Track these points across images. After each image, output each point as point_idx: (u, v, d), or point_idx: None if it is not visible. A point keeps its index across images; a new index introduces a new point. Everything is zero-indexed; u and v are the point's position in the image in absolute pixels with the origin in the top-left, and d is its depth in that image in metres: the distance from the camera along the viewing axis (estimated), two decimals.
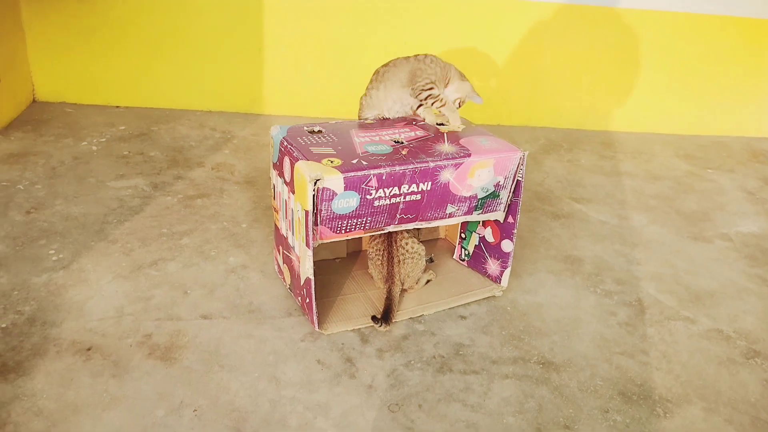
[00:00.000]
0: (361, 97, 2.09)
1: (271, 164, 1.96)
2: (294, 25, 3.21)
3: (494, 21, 3.28)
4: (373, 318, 1.89)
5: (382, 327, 1.87)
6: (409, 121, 2.07)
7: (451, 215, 1.93)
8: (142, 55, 3.20)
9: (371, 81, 2.06)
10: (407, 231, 2.00)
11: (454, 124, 2.02)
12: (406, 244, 1.98)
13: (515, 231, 2.02)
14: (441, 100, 2.01)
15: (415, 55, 2.04)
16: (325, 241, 1.78)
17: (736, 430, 1.67)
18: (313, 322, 1.85)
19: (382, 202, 1.78)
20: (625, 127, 3.62)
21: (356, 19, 3.22)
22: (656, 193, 2.92)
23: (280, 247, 2.00)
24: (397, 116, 2.08)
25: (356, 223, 1.78)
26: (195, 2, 3.11)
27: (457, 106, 2.06)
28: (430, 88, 1.99)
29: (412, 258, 1.99)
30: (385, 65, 2.06)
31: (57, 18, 3.06)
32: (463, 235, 2.21)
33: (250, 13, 3.17)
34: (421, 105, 2.05)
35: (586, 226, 2.59)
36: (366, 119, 2.08)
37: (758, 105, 3.65)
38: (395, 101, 2.05)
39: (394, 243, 1.98)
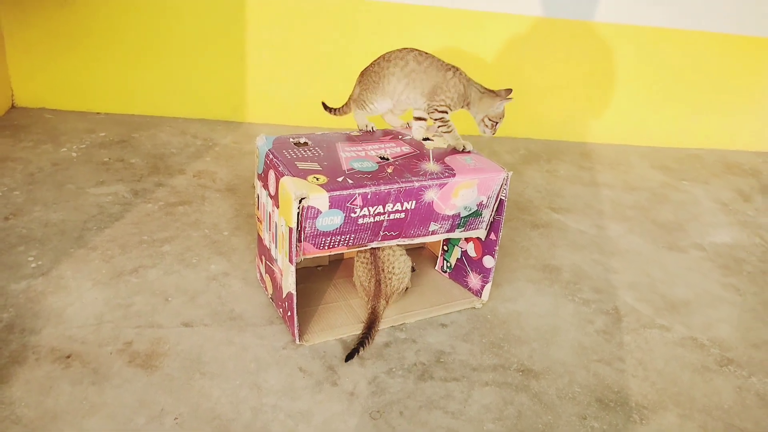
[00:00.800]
0: (367, 73, 2.04)
1: (256, 174, 1.96)
2: (277, 33, 3.23)
3: (474, 33, 3.33)
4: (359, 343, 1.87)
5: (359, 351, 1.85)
6: (395, 135, 2.09)
7: (433, 233, 1.95)
8: (123, 61, 3.18)
9: (391, 65, 1.99)
10: (394, 248, 2.01)
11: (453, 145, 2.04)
12: (393, 265, 1.99)
13: (497, 248, 2.05)
14: (448, 126, 2.01)
15: (447, 66, 2.00)
16: (307, 257, 1.79)
17: None
18: (294, 335, 1.85)
19: (366, 220, 1.79)
20: (603, 139, 3.68)
21: (339, 27, 3.24)
22: (633, 204, 2.97)
23: (263, 257, 2.00)
24: (400, 110, 2.09)
25: (340, 239, 1.79)
26: (177, 9, 3.12)
27: (489, 124, 2.03)
28: (444, 112, 2.00)
29: (398, 278, 2.01)
30: (418, 60, 1.98)
31: (37, 22, 3.04)
32: (445, 248, 2.23)
33: (232, 21, 3.18)
34: (419, 119, 2.08)
35: (564, 235, 2.63)
36: (370, 102, 2.04)
37: (732, 119, 3.74)
38: (409, 101, 2.03)
39: (381, 265, 1.98)
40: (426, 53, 2.01)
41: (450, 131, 2.02)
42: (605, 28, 3.40)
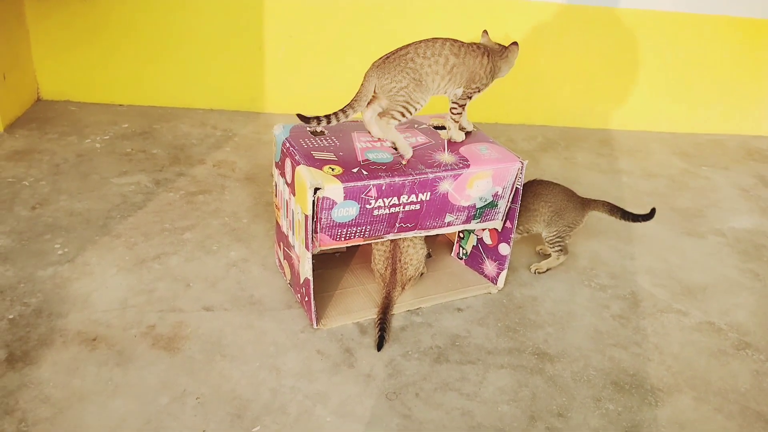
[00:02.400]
0: (401, 71, 1.84)
1: (274, 163, 2.00)
2: (294, 23, 3.25)
3: (492, 20, 3.32)
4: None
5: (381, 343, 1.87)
6: (410, 125, 2.10)
7: (449, 224, 1.96)
8: (144, 54, 3.24)
9: (431, 62, 1.85)
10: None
11: (456, 136, 2.02)
12: (409, 254, 2.01)
13: (513, 235, 2.06)
14: (464, 109, 2.00)
15: (477, 50, 1.92)
16: (324, 248, 1.82)
17: (725, 418, 1.71)
18: (311, 320, 1.89)
19: (381, 211, 1.81)
20: (622, 126, 3.66)
21: (356, 16, 3.26)
22: (652, 191, 2.96)
23: (281, 243, 2.04)
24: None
25: (355, 231, 1.82)
26: (196, 2, 3.16)
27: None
28: (475, 93, 1.97)
29: (415, 267, 2.03)
30: (455, 52, 1.87)
31: (60, 17, 3.10)
32: (461, 235, 2.25)
33: (250, 12, 3.21)
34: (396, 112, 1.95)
35: None
36: (419, 102, 1.89)
37: (754, 104, 3.69)
38: (445, 94, 1.95)
39: (398, 254, 2.01)
40: (456, 41, 1.91)
41: (461, 114, 2.01)
42: (624, 14, 3.37)
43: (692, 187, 3.03)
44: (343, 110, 1.86)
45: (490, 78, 1.98)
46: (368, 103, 1.92)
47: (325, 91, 3.40)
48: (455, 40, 1.91)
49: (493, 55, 1.97)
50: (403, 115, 1.89)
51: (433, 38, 1.89)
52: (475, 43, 1.96)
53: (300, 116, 1.85)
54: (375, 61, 1.89)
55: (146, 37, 3.21)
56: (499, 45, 2.03)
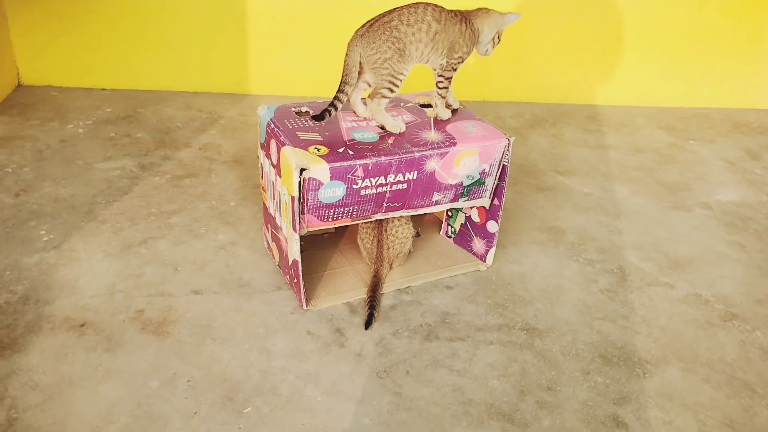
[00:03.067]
0: (384, 41, 1.80)
1: (259, 144, 1.98)
2: (277, 3, 3.21)
3: None
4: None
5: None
6: (396, 104, 2.08)
7: (437, 203, 1.96)
8: (127, 37, 3.19)
9: (413, 29, 1.82)
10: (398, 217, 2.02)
11: (442, 114, 2.00)
12: (395, 229, 2.01)
13: (500, 213, 2.06)
14: (449, 83, 1.97)
15: (457, 17, 1.89)
16: (312, 230, 1.81)
17: (712, 388, 1.74)
18: (301, 301, 1.89)
19: (368, 191, 1.80)
20: (609, 101, 3.65)
21: None
22: (638, 165, 2.97)
23: (269, 225, 2.03)
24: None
25: (343, 211, 1.81)
26: None
27: (496, 41, 1.99)
28: (458, 64, 1.93)
29: (401, 242, 2.03)
30: (436, 18, 1.83)
31: (39, 1, 3.04)
32: (449, 213, 2.25)
33: None
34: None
35: (569, 197, 2.63)
36: (403, 73, 1.86)
37: (740, 77, 3.69)
38: (427, 63, 1.92)
39: (384, 229, 2.01)
40: (436, 6, 1.86)
41: (447, 89, 1.99)
42: None
43: (679, 160, 3.04)
44: (340, 91, 1.85)
45: (470, 46, 1.95)
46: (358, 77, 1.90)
47: (310, 72, 3.37)
48: (435, 6, 1.87)
49: (474, 19, 1.95)
50: (391, 90, 1.87)
51: (414, 3, 1.86)
52: (453, 10, 1.93)
53: (314, 117, 1.85)
54: (358, 29, 1.86)
55: (129, 19, 3.15)
56: (478, 9, 1.99)
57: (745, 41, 3.58)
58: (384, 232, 2.00)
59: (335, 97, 1.85)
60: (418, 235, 2.25)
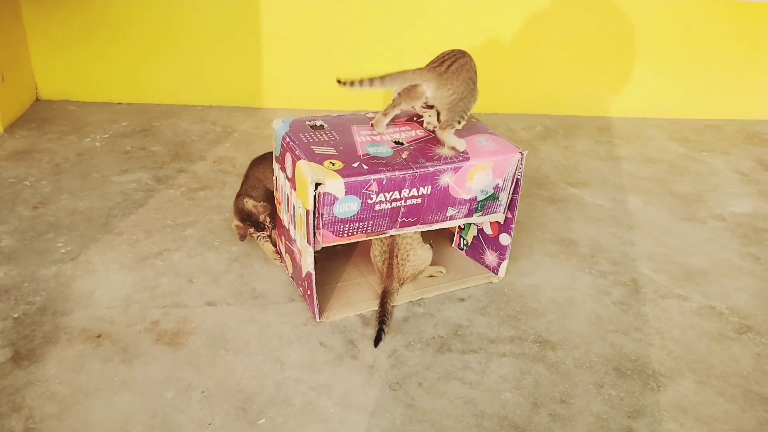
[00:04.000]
0: (467, 80, 1.90)
1: (274, 158, 2.00)
2: (291, 17, 3.25)
3: (489, 9, 3.32)
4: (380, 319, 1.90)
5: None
6: (410, 118, 2.10)
7: (451, 218, 1.97)
8: (142, 52, 3.24)
9: (472, 73, 1.92)
10: (412, 235, 2.01)
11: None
12: (406, 252, 1.99)
13: (513, 225, 2.06)
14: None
15: (467, 70, 1.92)
16: (327, 245, 1.82)
17: (726, 401, 1.73)
18: (314, 313, 1.90)
19: (383, 206, 1.81)
20: (621, 113, 3.66)
21: (353, 9, 3.25)
22: (651, 176, 2.96)
23: (283, 237, 2.05)
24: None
25: (358, 226, 1.82)
26: None
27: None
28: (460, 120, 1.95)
29: (413, 266, 2.02)
30: (468, 72, 1.91)
31: (57, 16, 3.10)
32: (461, 226, 2.26)
33: (247, 7, 3.21)
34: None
35: (581, 209, 2.63)
36: (469, 109, 1.94)
37: (752, 88, 3.68)
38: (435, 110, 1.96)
39: (395, 248, 1.99)
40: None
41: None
42: (620, 0, 3.36)
43: (692, 171, 3.04)
44: (382, 78, 1.86)
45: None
46: (400, 99, 1.94)
47: (323, 85, 3.40)
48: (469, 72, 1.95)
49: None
50: (459, 123, 1.93)
51: (461, 50, 1.94)
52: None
53: (339, 81, 1.87)
54: (433, 65, 1.89)
55: (143, 34, 3.21)
56: None
57: (756, 52, 3.58)
58: (396, 254, 1.99)
59: (374, 77, 1.86)
60: (430, 246, 2.25)
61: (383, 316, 1.88)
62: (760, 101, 3.73)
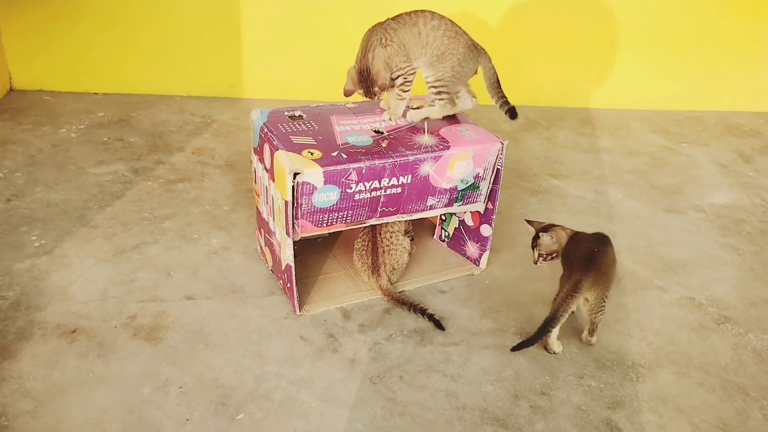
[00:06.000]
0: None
1: (252, 149, 1.97)
2: (271, 7, 3.21)
3: (471, 0, 3.30)
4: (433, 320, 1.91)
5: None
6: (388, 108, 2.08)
7: (432, 207, 1.95)
8: (119, 41, 3.18)
9: (433, 35, 2.00)
10: (394, 223, 2.00)
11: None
12: (391, 236, 1.99)
13: (494, 216, 2.05)
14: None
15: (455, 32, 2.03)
16: (306, 235, 1.80)
17: (706, 391, 1.74)
18: (294, 306, 1.88)
19: (362, 195, 1.80)
20: (603, 104, 3.66)
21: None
22: (632, 168, 2.97)
23: (262, 230, 2.02)
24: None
25: (337, 216, 1.80)
26: None
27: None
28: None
29: (397, 249, 2.01)
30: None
31: (31, 5, 3.03)
32: (443, 217, 2.25)
33: None
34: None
35: (563, 201, 2.64)
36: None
37: (732, 79, 3.71)
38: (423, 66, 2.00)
39: (378, 235, 1.99)
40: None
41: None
42: None
43: (672, 163, 3.05)
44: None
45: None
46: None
47: (303, 75, 3.37)
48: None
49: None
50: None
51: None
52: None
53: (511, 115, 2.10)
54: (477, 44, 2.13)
55: (121, 23, 3.15)
56: None
57: (737, 44, 3.60)
58: (378, 239, 1.98)
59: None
60: (411, 238, 2.24)
61: (422, 309, 1.90)
62: (741, 92, 3.75)
